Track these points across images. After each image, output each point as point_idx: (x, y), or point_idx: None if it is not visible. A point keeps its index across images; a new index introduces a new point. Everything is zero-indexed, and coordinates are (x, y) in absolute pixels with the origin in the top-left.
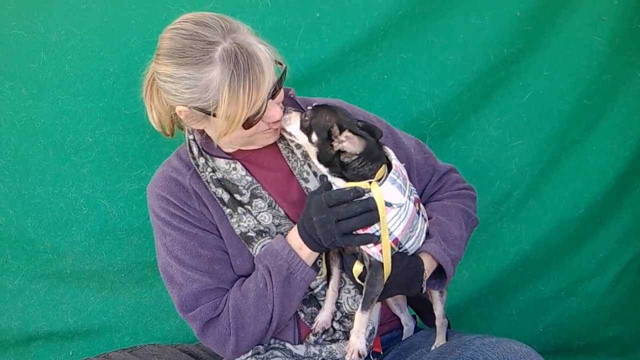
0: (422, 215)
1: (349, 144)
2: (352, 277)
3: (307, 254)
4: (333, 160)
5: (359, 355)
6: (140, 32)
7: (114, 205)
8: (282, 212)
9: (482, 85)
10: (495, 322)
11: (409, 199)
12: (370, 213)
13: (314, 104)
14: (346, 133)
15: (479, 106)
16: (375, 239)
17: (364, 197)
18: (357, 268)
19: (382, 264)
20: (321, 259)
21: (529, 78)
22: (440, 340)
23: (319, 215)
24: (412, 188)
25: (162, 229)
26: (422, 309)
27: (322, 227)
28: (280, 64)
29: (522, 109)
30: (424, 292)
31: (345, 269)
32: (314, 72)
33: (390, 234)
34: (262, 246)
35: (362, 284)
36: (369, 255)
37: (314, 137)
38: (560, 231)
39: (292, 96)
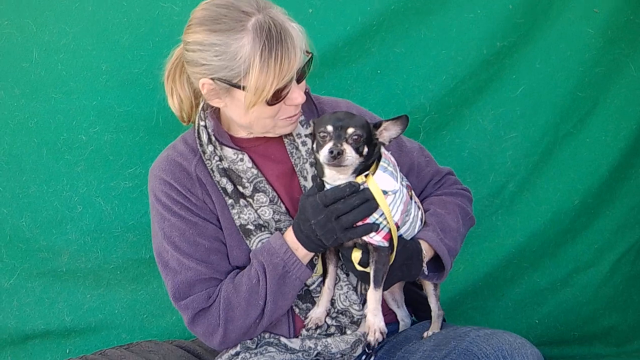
0: (415, 202)
1: (388, 133)
2: (352, 268)
3: (303, 254)
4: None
5: (381, 333)
6: (132, 29)
7: (109, 203)
8: (283, 208)
9: (475, 79)
10: (491, 314)
11: (402, 185)
12: (368, 203)
13: (345, 123)
14: (384, 124)
15: (473, 100)
16: (375, 227)
17: (359, 190)
18: (356, 255)
19: (386, 247)
20: (317, 257)
21: (522, 71)
22: (434, 327)
23: (317, 216)
24: (402, 175)
25: (162, 214)
26: (417, 307)
27: (322, 227)
28: (308, 52)
29: (515, 102)
30: (425, 273)
31: (344, 260)
32: None
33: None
34: (260, 240)
35: (363, 269)
36: (372, 245)
37: (365, 149)
38: (555, 223)
39: (307, 91)
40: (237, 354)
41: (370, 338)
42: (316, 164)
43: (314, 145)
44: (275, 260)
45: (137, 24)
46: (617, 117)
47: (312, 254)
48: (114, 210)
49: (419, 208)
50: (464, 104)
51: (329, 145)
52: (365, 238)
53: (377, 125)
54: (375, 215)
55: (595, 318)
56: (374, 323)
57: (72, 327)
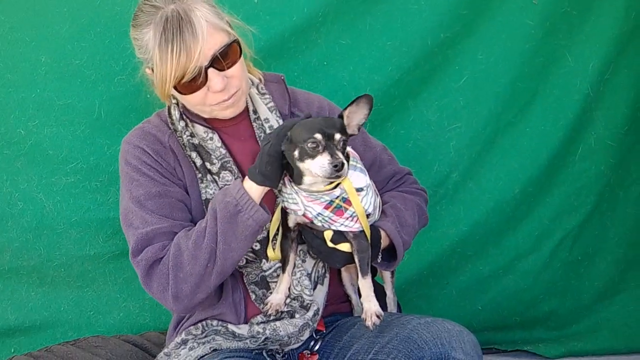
0: (374, 190)
1: (354, 121)
2: (318, 247)
3: (257, 195)
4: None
5: (377, 317)
6: (72, 20)
7: (50, 199)
8: None
9: (420, 70)
10: (436, 302)
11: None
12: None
13: (331, 130)
14: (346, 114)
15: (417, 91)
16: (343, 238)
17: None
18: (328, 233)
19: (363, 233)
20: (276, 241)
21: (465, 62)
22: (391, 309)
23: None
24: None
25: (130, 176)
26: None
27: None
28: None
29: (458, 92)
30: (378, 261)
31: (307, 239)
32: (252, 59)
33: (368, 215)
34: None
35: (335, 246)
36: (353, 232)
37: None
38: (498, 211)
39: (282, 78)
40: (185, 342)
41: (368, 323)
42: (290, 169)
43: (296, 154)
44: (227, 199)
45: (78, 14)
46: (555, 106)
47: (264, 193)
48: (55, 207)
49: (377, 195)
50: (408, 95)
51: (326, 157)
52: (343, 228)
53: (340, 118)
54: (351, 209)
55: (536, 303)
56: (370, 308)
57: (17, 325)
